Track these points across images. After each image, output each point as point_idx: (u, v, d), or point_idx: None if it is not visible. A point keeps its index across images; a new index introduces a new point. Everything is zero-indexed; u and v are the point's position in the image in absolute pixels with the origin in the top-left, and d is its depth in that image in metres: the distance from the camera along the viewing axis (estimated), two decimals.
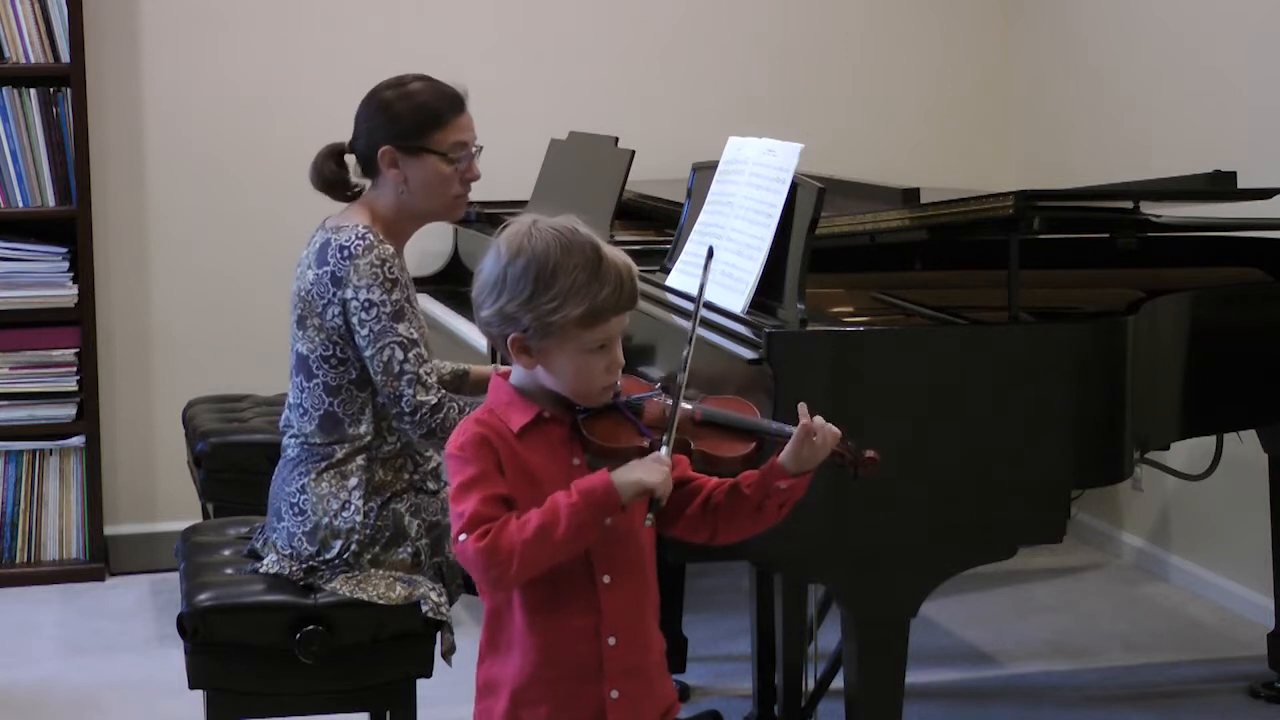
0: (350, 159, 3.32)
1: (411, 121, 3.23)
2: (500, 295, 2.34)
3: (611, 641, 2.38)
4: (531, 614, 2.37)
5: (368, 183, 3.32)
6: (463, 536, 2.30)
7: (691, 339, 2.43)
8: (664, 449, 2.33)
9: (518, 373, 2.41)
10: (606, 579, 2.37)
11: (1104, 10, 5.40)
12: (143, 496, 5.33)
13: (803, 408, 2.41)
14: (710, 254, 2.49)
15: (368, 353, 3.15)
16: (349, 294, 3.15)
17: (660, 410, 2.41)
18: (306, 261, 3.23)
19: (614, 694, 2.38)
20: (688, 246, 3.50)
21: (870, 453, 2.44)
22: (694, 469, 2.44)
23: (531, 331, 2.33)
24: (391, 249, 3.19)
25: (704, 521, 2.43)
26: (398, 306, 3.15)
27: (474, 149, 3.29)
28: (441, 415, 3.11)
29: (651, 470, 2.30)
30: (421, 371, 3.14)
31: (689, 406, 2.42)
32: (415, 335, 3.16)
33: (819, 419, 2.38)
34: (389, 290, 3.15)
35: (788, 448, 2.37)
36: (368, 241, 3.16)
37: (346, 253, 3.16)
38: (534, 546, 2.28)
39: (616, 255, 2.37)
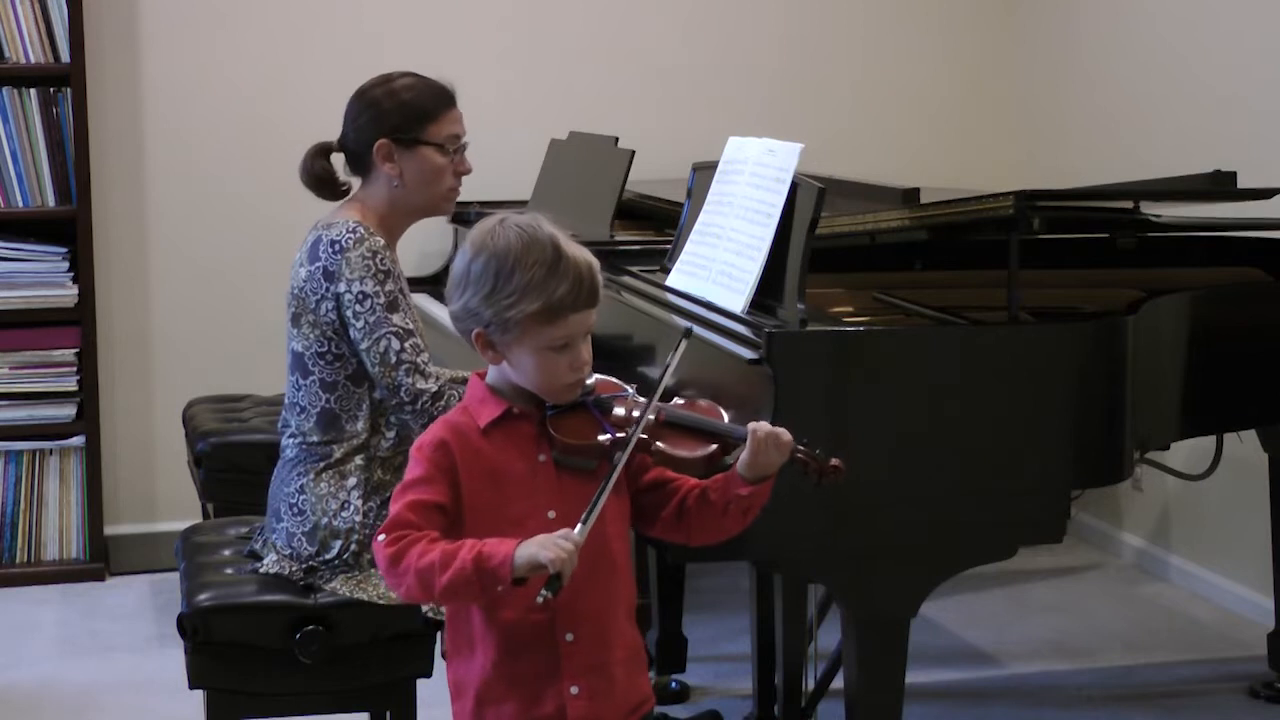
0: (337, 157, 3.32)
1: (406, 115, 3.24)
2: (464, 291, 2.38)
3: (569, 638, 2.38)
4: (488, 613, 2.39)
5: (356, 181, 3.32)
6: (381, 536, 2.34)
7: (646, 409, 2.41)
8: (580, 527, 2.28)
9: (492, 371, 2.45)
10: None
11: (1103, 10, 5.40)
12: (143, 496, 5.33)
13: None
14: (688, 333, 2.50)
15: (363, 345, 3.15)
16: (342, 288, 3.15)
17: (628, 410, 2.42)
18: (299, 259, 3.24)
19: (573, 690, 2.39)
20: (688, 246, 3.50)
21: (835, 461, 2.43)
22: (646, 469, 2.46)
23: (493, 327, 2.37)
24: (383, 241, 3.19)
25: (678, 524, 2.45)
26: (391, 297, 3.15)
27: (464, 143, 3.30)
28: (443, 404, 3.10)
29: (550, 549, 2.24)
30: (419, 360, 3.13)
31: (650, 416, 2.42)
32: (410, 325, 3.16)
33: (765, 424, 2.39)
34: (382, 282, 3.15)
35: (743, 455, 2.39)
36: (358, 235, 3.16)
37: (337, 247, 3.16)
38: (421, 579, 2.29)
39: (578, 253, 2.38)
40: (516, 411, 2.42)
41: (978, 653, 4.56)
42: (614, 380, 2.49)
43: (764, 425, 2.40)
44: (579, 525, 2.29)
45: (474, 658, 2.41)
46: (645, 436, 2.40)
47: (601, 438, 2.40)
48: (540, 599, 2.24)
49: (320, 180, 3.32)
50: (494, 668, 2.39)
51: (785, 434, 2.40)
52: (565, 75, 5.56)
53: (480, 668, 2.40)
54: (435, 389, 3.12)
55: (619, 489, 2.40)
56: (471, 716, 2.42)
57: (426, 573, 2.28)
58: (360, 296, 3.14)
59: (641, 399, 2.43)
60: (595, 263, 2.40)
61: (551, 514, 2.38)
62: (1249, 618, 4.67)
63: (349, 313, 3.15)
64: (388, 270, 3.16)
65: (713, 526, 2.44)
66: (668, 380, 2.44)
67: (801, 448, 2.42)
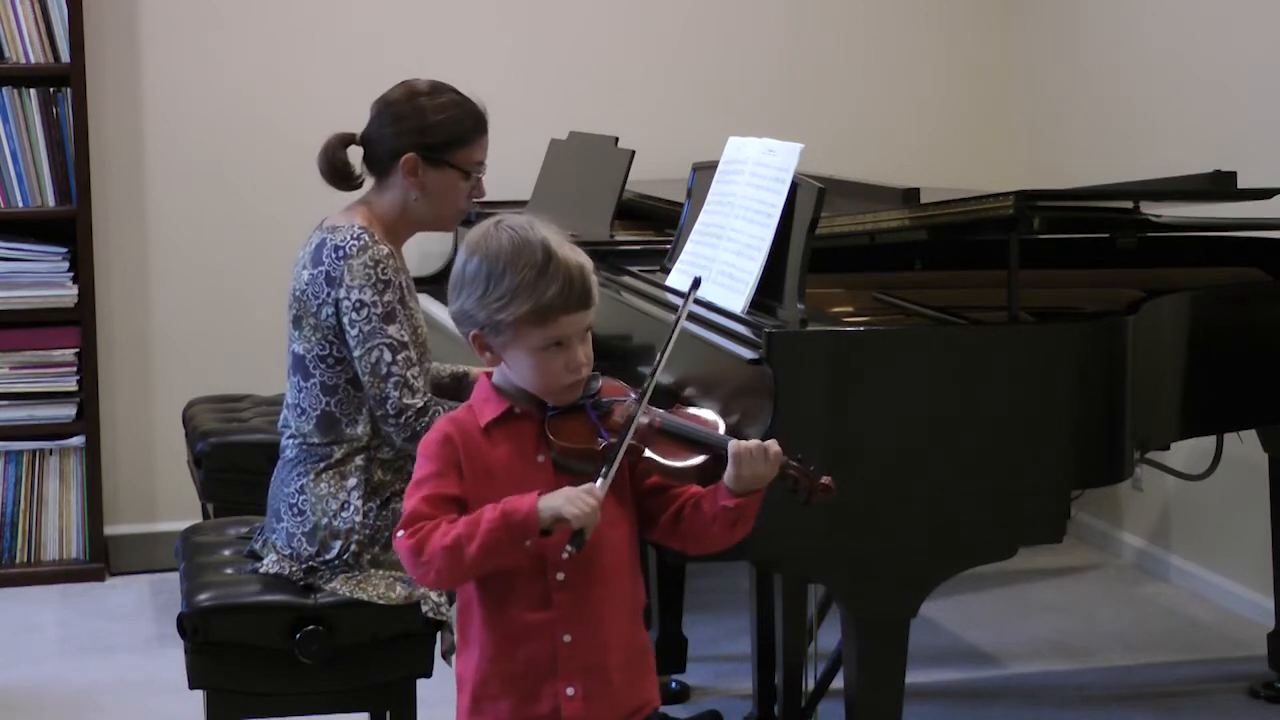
0: (354, 150, 3.31)
1: (443, 134, 3.24)
2: (460, 293, 2.41)
3: (567, 639, 2.39)
4: (488, 609, 2.41)
5: (368, 178, 3.32)
6: (400, 533, 2.36)
7: (660, 361, 2.43)
8: (600, 481, 2.31)
9: (498, 371, 2.46)
10: (560, 576, 2.39)
11: (1103, 10, 5.40)
12: (143, 496, 5.33)
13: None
14: (696, 284, 2.51)
15: (357, 353, 3.15)
16: (341, 294, 3.15)
17: (625, 414, 2.42)
18: (303, 261, 3.24)
19: (570, 691, 2.40)
20: (688, 246, 3.50)
21: (826, 479, 2.42)
22: (646, 475, 2.45)
23: (487, 329, 2.40)
24: (387, 249, 3.19)
25: (675, 531, 2.46)
26: (389, 308, 3.15)
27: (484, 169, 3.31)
28: (427, 420, 3.10)
29: (576, 502, 2.28)
30: (409, 374, 3.13)
31: (645, 420, 2.42)
32: (405, 338, 3.15)
33: (753, 442, 2.38)
34: (381, 291, 3.14)
35: (728, 468, 2.38)
36: (362, 242, 3.16)
37: (341, 253, 3.16)
38: (450, 555, 2.31)
39: (570, 255, 2.39)
40: (518, 411, 2.43)
41: (978, 653, 4.56)
42: (620, 384, 2.49)
43: (749, 444, 2.37)
44: (599, 480, 2.32)
45: (472, 652, 2.43)
46: (636, 443, 2.40)
47: (595, 442, 2.40)
48: (565, 554, 2.29)
49: (337, 170, 3.30)
50: (489, 664, 2.41)
51: (774, 446, 2.39)
52: (565, 75, 5.56)
53: (476, 664, 2.42)
54: (421, 405, 3.13)
55: (622, 492, 2.41)
56: (469, 711, 2.44)
57: (454, 548, 2.30)
58: (358, 305, 3.14)
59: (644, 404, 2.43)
60: (588, 265, 2.41)
61: None
62: (1249, 618, 4.67)
63: (346, 320, 3.15)
64: (388, 280, 3.16)
65: (703, 536, 2.43)
66: (667, 355, 2.44)
67: (794, 464, 2.41)
